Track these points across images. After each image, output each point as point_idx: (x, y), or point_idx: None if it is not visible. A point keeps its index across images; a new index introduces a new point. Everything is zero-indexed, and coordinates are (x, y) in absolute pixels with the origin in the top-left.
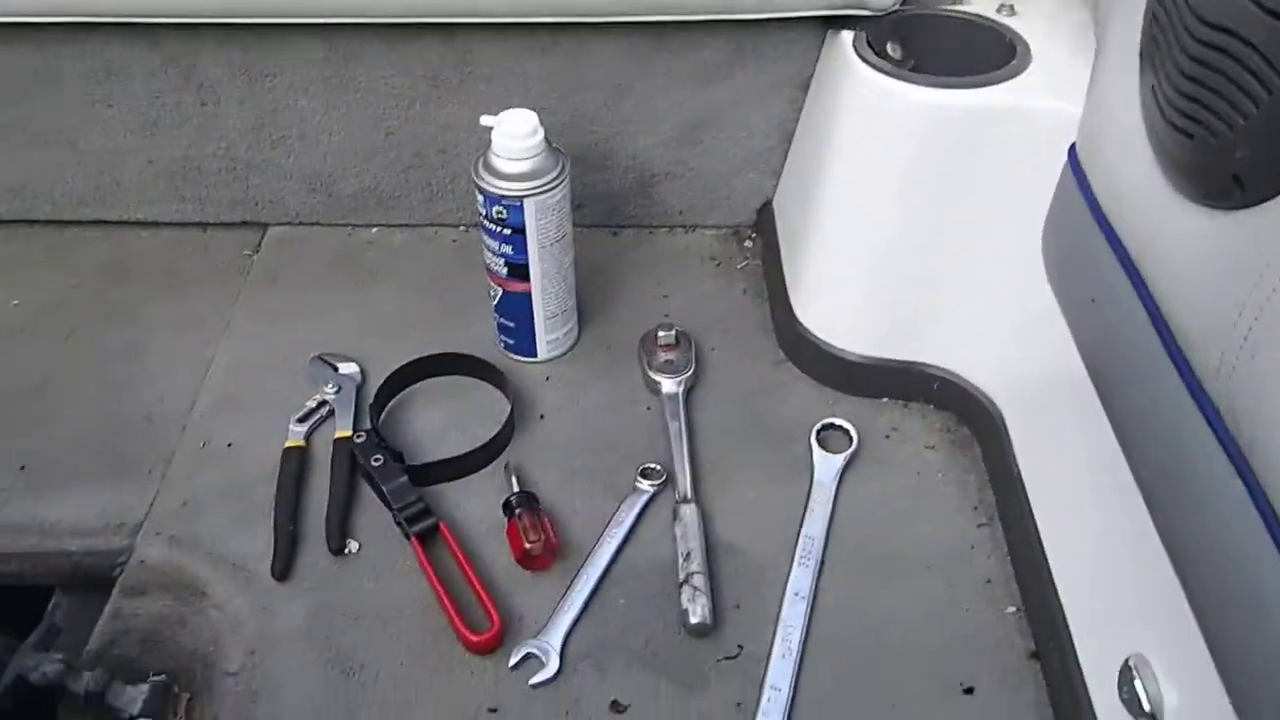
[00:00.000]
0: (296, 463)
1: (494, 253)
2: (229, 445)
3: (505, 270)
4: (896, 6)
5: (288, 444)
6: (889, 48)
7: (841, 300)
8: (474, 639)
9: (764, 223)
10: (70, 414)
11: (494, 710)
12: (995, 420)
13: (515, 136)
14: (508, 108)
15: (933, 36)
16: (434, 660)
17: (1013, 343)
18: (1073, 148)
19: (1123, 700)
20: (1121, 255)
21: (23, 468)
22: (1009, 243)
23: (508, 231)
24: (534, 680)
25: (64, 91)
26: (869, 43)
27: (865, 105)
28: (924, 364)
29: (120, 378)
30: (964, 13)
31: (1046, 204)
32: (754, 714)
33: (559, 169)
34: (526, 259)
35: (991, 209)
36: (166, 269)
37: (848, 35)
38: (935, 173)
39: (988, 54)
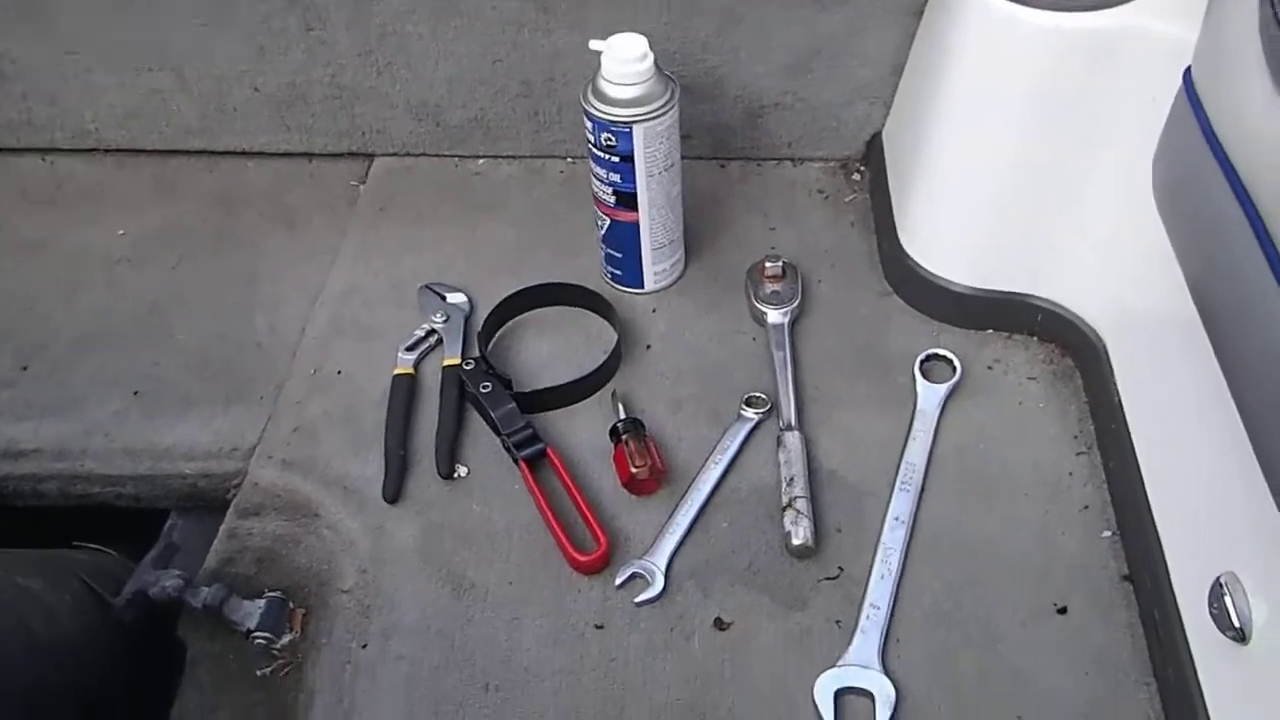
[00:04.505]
0: (406, 389)
1: (602, 181)
2: (339, 372)
3: (613, 199)
4: None
5: (397, 371)
6: None
7: (949, 232)
8: (581, 559)
9: (873, 155)
10: (181, 340)
11: (600, 626)
12: (1098, 351)
13: (625, 60)
14: (617, 34)
15: None
16: (542, 579)
17: (1119, 274)
18: (1188, 71)
19: (1212, 616)
20: (1235, 183)
21: (136, 393)
22: (1119, 172)
23: (616, 159)
24: (639, 598)
25: (169, 14)
26: None
27: (982, 31)
28: (1029, 296)
29: (230, 306)
30: None
31: (1159, 132)
32: (853, 631)
33: (668, 95)
34: (635, 187)
35: (1103, 138)
36: (274, 199)
37: None
38: (1050, 101)
39: None
